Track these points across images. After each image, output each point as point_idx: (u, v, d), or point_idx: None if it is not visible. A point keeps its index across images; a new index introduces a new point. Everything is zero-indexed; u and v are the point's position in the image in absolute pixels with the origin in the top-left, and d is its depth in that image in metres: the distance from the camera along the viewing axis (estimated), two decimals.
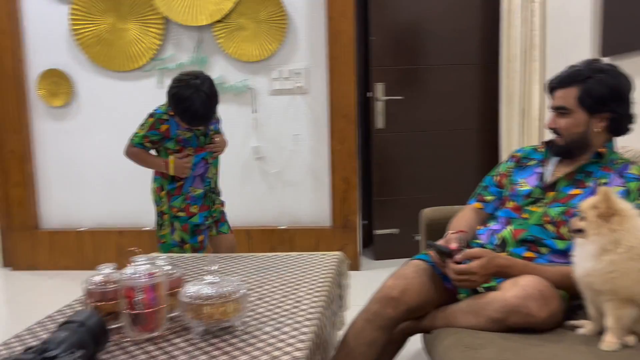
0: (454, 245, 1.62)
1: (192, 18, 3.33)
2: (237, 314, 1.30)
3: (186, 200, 2.41)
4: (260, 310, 1.45)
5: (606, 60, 2.44)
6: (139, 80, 3.50)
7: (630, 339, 1.27)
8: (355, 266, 3.46)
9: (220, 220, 2.58)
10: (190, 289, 1.30)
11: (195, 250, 2.44)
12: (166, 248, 2.43)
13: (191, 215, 2.42)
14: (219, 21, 3.34)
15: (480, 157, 3.67)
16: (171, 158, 2.34)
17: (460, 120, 3.64)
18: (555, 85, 1.66)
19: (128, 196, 3.60)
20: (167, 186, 2.40)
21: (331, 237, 3.45)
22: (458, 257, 1.52)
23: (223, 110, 3.46)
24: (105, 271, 1.34)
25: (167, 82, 3.43)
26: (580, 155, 1.66)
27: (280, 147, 3.49)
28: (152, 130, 2.33)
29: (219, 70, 3.44)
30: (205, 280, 1.32)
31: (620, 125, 1.63)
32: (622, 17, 2.23)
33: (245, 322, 1.36)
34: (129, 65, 3.45)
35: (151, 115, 2.35)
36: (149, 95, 3.50)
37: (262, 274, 1.77)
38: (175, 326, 1.35)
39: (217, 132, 2.50)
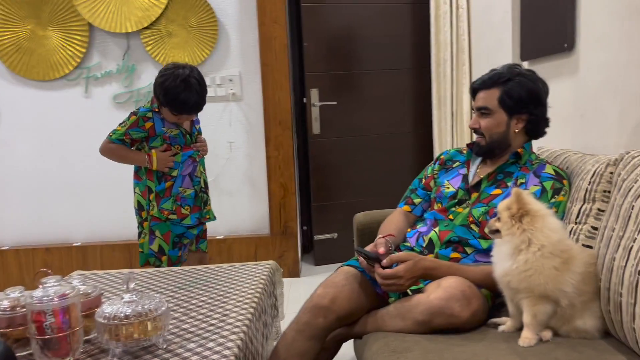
0: (382, 250, 1.63)
1: (119, 25, 3.23)
2: (158, 332, 1.25)
3: (177, 201, 2.27)
4: (185, 326, 1.41)
5: (525, 64, 2.54)
6: (64, 89, 3.35)
7: (546, 334, 1.31)
8: (295, 273, 3.44)
9: (201, 236, 2.47)
10: (107, 309, 1.24)
11: (171, 264, 2.30)
12: (143, 259, 2.30)
13: (183, 217, 2.28)
14: (147, 28, 3.25)
15: (415, 160, 3.74)
16: (153, 151, 2.22)
17: (395, 124, 3.70)
18: (478, 87, 1.73)
19: (55, 210, 3.43)
20: (156, 187, 2.25)
21: (270, 244, 3.42)
22: (384, 262, 1.53)
23: None
24: (12, 295, 1.26)
25: (94, 90, 3.38)
26: (500, 155, 1.72)
27: (215, 155, 3.42)
28: (134, 128, 2.20)
29: (149, 78, 3.34)
30: (124, 298, 1.26)
31: (537, 128, 1.71)
32: (535, 25, 2.33)
33: (168, 340, 1.32)
34: (52, 74, 3.29)
35: (134, 114, 2.23)
36: (76, 104, 3.36)
37: (190, 288, 1.72)
38: (92, 349, 1.29)
39: (199, 133, 2.42)
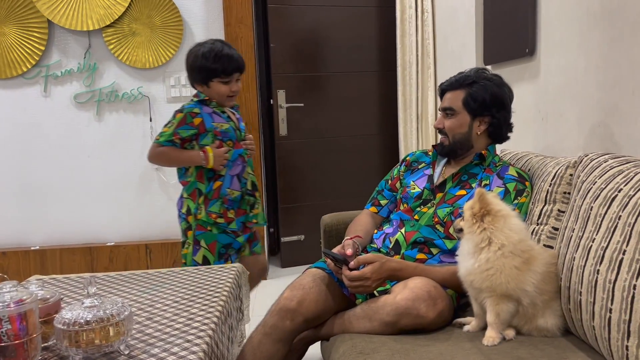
0: (349, 251, 1.64)
1: (79, 22, 3.14)
2: (120, 338, 1.22)
3: (224, 204, 2.09)
4: (149, 331, 1.37)
5: (488, 68, 2.59)
6: (21, 88, 3.24)
7: (509, 333, 1.34)
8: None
9: (253, 238, 2.27)
10: (67, 314, 1.20)
11: None
12: None
13: (229, 221, 2.11)
14: (109, 26, 3.17)
15: (381, 161, 3.78)
16: (208, 147, 2.04)
17: (361, 126, 3.72)
18: (446, 87, 1.77)
19: (12, 212, 3.31)
20: (205, 189, 2.08)
21: None
22: (352, 264, 1.53)
23: (117, 119, 3.31)
24: None
25: (54, 89, 3.28)
26: (463, 156, 1.75)
27: None
28: (183, 126, 2.03)
29: (112, 77, 3.27)
30: (84, 303, 1.22)
31: (500, 131, 1.74)
32: (498, 30, 2.38)
33: (130, 345, 1.28)
34: (8, 72, 3.18)
35: (179, 111, 2.07)
36: (34, 103, 3.26)
37: (154, 292, 1.69)
38: (51, 356, 1.24)
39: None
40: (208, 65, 2.02)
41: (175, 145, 2.05)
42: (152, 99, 3.31)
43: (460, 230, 1.37)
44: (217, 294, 1.63)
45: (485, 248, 1.29)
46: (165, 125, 2.07)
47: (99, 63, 3.25)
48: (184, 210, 2.12)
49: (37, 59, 3.18)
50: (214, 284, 1.73)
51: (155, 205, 3.39)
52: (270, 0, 3.46)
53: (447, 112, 1.73)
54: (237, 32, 3.24)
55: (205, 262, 2.08)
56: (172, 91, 3.30)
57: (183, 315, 1.46)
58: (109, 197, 3.36)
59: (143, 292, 1.69)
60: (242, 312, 1.89)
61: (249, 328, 1.81)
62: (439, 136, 1.82)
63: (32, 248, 3.30)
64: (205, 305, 1.54)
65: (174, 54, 3.25)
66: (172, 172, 3.34)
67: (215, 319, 1.43)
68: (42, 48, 3.18)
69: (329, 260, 1.64)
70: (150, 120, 3.32)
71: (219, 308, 1.52)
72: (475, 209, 1.32)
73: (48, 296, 1.33)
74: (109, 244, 3.35)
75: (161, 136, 2.05)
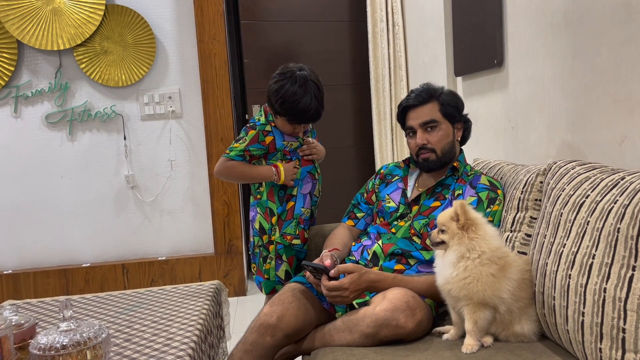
0: (327, 262, 1.64)
1: (50, 42, 3.11)
2: None
3: (300, 224, 2.00)
4: (128, 352, 1.36)
5: (459, 79, 2.65)
6: None
7: (487, 340, 1.36)
8: (241, 291, 3.39)
9: None
10: (42, 340, 1.17)
11: None
12: (269, 287, 2.02)
13: (305, 242, 2.03)
14: (80, 45, 3.15)
15: (357, 173, 3.80)
16: (278, 162, 1.96)
17: (337, 139, 3.75)
18: (415, 103, 1.74)
19: None
20: (277, 209, 1.99)
21: (215, 264, 3.36)
22: (332, 272, 1.53)
23: (90, 138, 3.28)
24: None
25: (25, 110, 3.23)
26: (450, 164, 1.76)
27: (155, 174, 3.35)
28: (255, 144, 1.94)
29: (84, 96, 3.24)
30: (60, 327, 1.20)
31: (468, 134, 1.83)
32: (467, 42, 2.44)
33: None
34: None
35: (251, 128, 1.96)
36: (4, 124, 3.21)
37: (132, 313, 1.67)
38: None
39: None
40: (279, 106, 1.90)
41: (245, 160, 1.96)
42: (125, 117, 3.29)
43: (440, 243, 1.38)
44: (196, 312, 1.62)
45: (468, 257, 1.32)
46: (237, 141, 1.96)
47: (71, 82, 3.22)
48: (257, 226, 2.02)
49: (6, 79, 3.14)
50: (192, 302, 1.72)
51: (131, 224, 3.35)
52: (242, 17, 3.48)
53: (430, 125, 1.72)
54: (211, 48, 3.25)
55: (287, 276, 2.00)
56: (146, 109, 3.28)
57: (162, 336, 1.45)
58: (83, 217, 3.31)
59: (120, 313, 1.67)
60: (223, 330, 1.88)
61: (230, 345, 1.80)
62: (421, 151, 1.78)
63: (5, 272, 3.23)
64: (184, 324, 1.52)
65: (147, 72, 3.24)
66: (147, 191, 3.33)
67: (195, 338, 1.42)
68: (12, 69, 3.14)
69: (308, 274, 1.64)
70: (125, 139, 3.29)
71: (199, 327, 1.51)
72: (462, 221, 1.35)
73: (22, 321, 1.31)
74: (84, 265, 3.29)
75: (232, 150, 1.95)
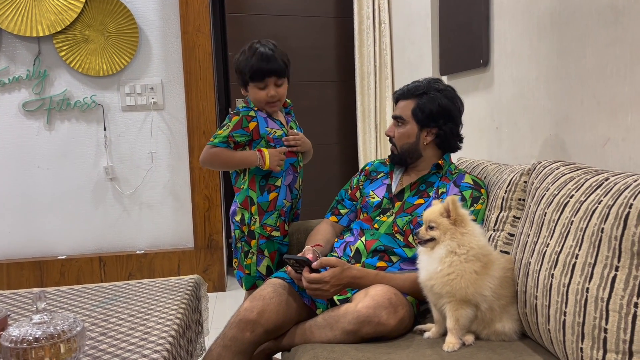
0: (309, 256, 1.63)
1: (29, 28, 3.04)
2: (72, 355, 1.17)
3: (281, 216, 1.99)
4: (103, 346, 1.32)
5: (444, 78, 2.65)
6: None
7: (469, 338, 1.35)
8: (221, 287, 3.36)
9: None
10: (14, 332, 1.14)
11: None
12: (249, 282, 1.99)
13: (285, 235, 2.01)
14: (60, 32, 3.08)
15: (341, 170, 3.79)
16: (263, 148, 1.93)
17: (321, 135, 3.73)
18: (398, 96, 1.79)
19: None
20: (258, 199, 1.95)
21: (194, 258, 3.32)
22: (315, 264, 1.51)
23: (69, 128, 3.21)
24: None
25: (1, 97, 3.15)
26: (413, 164, 1.77)
27: (135, 167, 3.29)
28: (238, 130, 1.92)
29: (63, 85, 3.17)
30: (33, 319, 1.17)
31: (447, 142, 1.75)
32: (453, 41, 2.44)
33: None
34: None
35: (235, 114, 1.95)
36: None
37: (109, 306, 1.63)
38: None
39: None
40: (241, 68, 1.93)
41: (229, 147, 1.94)
42: (106, 108, 3.22)
43: (430, 240, 1.37)
44: (174, 307, 1.59)
45: (455, 252, 1.31)
46: (220, 128, 1.95)
47: (50, 70, 3.15)
48: (237, 218, 2.00)
49: None
50: (171, 296, 1.69)
51: (109, 216, 3.29)
52: (228, 9, 3.44)
53: (398, 120, 1.76)
54: (195, 40, 3.20)
55: (269, 272, 1.98)
56: (127, 99, 3.22)
57: (139, 330, 1.42)
58: (60, 209, 3.24)
59: (96, 306, 1.63)
60: (201, 325, 1.85)
61: (208, 341, 1.77)
62: (389, 143, 1.84)
63: None
64: (162, 318, 1.49)
65: (129, 62, 3.18)
66: (127, 183, 3.28)
67: (173, 332, 1.39)
68: None
69: (289, 268, 1.62)
70: (105, 130, 3.23)
71: (177, 321, 1.48)
72: (454, 216, 1.34)
73: None
74: (60, 257, 3.23)
75: (215, 138, 1.94)
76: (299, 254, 1.70)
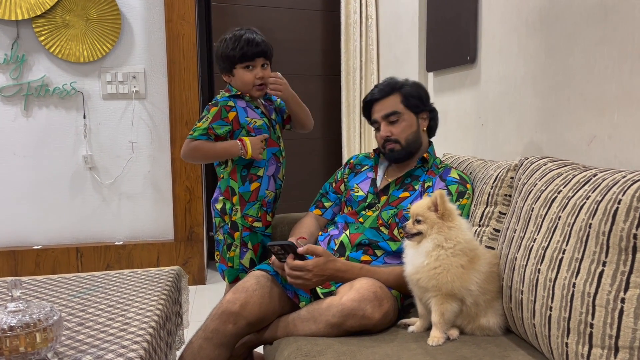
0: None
1: (7, 11, 2.95)
2: (48, 344, 1.13)
3: (263, 207, 1.95)
4: (81, 337, 1.28)
5: (430, 75, 2.65)
6: None
7: (453, 332, 1.35)
8: (201, 280, 3.32)
9: None
10: None
11: None
12: (232, 275, 1.95)
13: (267, 225, 1.98)
14: (40, 16, 3.00)
15: (325, 164, 3.77)
16: (245, 137, 1.89)
17: None
18: (377, 97, 1.77)
19: None
20: (239, 189, 1.92)
21: (174, 250, 3.27)
22: (301, 249, 1.49)
23: (47, 115, 3.13)
24: None
25: None
26: (416, 154, 1.76)
27: (115, 156, 3.23)
28: (218, 121, 1.88)
29: (42, 71, 3.09)
30: (8, 308, 1.13)
31: (435, 125, 1.83)
32: (441, 37, 2.44)
33: (59, 352, 1.19)
34: None
35: (213, 105, 1.91)
36: None
37: (87, 296, 1.59)
38: None
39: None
40: (228, 51, 1.90)
41: (209, 139, 1.90)
42: (86, 95, 3.15)
43: (417, 234, 1.36)
44: (155, 298, 1.55)
45: (442, 246, 1.31)
46: (199, 120, 1.91)
47: (28, 55, 3.06)
48: (218, 206, 1.96)
49: None
50: (151, 287, 1.65)
51: (87, 206, 3.23)
52: None
53: (392, 117, 1.73)
54: (179, 29, 3.15)
55: (252, 264, 1.94)
56: (109, 87, 3.16)
57: (118, 320, 1.38)
58: (36, 197, 3.16)
59: (74, 296, 1.59)
60: (181, 317, 1.82)
61: (188, 333, 1.74)
62: (386, 143, 1.80)
63: None
64: (142, 309, 1.46)
65: (110, 49, 3.11)
66: (106, 173, 3.21)
67: (153, 324, 1.36)
68: None
69: (273, 258, 1.59)
70: (84, 117, 3.16)
71: (157, 312, 1.45)
72: (441, 210, 1.33)
73: None
74: (35, 247, 3.15)
75: (195, 131, 1.90)
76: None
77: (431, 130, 1.83)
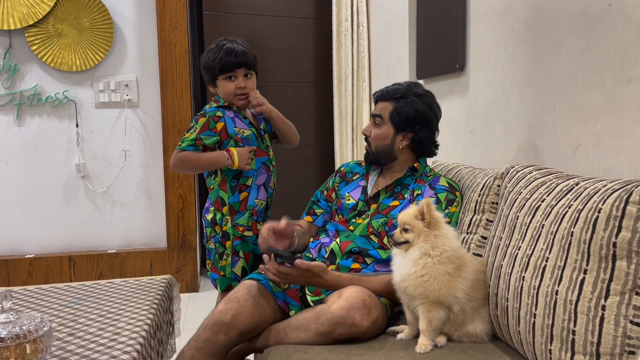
0: (284, 221, 1.67)
1: None
2: (38, 355, 1.14)
3: (253, 216, 1.96)
4: (71, 347, 1.29)
5: (420, 82, 2.67)
6: None
7: (441, 340, 1.36)
8: (194, 288, 3.32)
9: None
10: None
11: None
12: (224, 284, 1.95)
13: (258, 234, 1.93)
14: (33, 26, 3.01)
15: (317, 172, 3.79)
16: (232, 148, 1.91)
17: None
18: (378, 97, 1.80)
19: None
20: (229, 199, 1.94)
21: (167, 258, 3.28)
22: (296, 262, 1.50)
23: (40, 124, 3.13)
24: None
25: None
26: (388, 165, 1.78)
27: (108, 164, 3.24)
28: (206, 131, 1.89)
29: (34, 80, 3.10)
30: None
31: (422, 147, 1.77)
32: (430, 45, 2.46)
33: None
34: None
35: (201, 115, 1.92)
36: None
37: (78, 306, 1.59)
38: None
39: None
40: (209, 63, 1.92)
41: (197, 149, 1.91)
42: (78, 104, 3.16)
43: (404, 242, 1.38)
44: (146, 307, 1.56)
45: (429, 254, 1.32)
46: (188, 131, 1.92)
47: (21, 64, 3.07)
48: (209, 217, 1.98)
49: None
50: (142, 296, 1.66)
51: (80, 214, 3.23)
52: (206, 7, 3.41)
53: (377, 119, 1.76)
54: (171, 37, 3.16)
55: (244, 273, 1.95)
56: (101, 96, 3.17)
57: (109, 330, 1.39)
58: (29, 206, 3.16)
59: (65, 306, 1.60)
60: (172, 326, 1.83)
61: (179, 342, 1.75)
62: (364, 142, 1.85)
63: None
64: (133, 318, 1.47)
65: (103, 58, 3.13)
66: (99, 181, 3.21)
67: (144, 333, 1.37)
68: None
69: (266, 259, 1.58)
70: (77, 126, 3.17)
71: (148, 321, 1.46)
72: (428, 219, 1.35)
73: None
74: (28, 256, 3.15)
75: (183, 141, 1.91)
76: (275, 222, 1.70)
77: (420, 152, 1.78)
